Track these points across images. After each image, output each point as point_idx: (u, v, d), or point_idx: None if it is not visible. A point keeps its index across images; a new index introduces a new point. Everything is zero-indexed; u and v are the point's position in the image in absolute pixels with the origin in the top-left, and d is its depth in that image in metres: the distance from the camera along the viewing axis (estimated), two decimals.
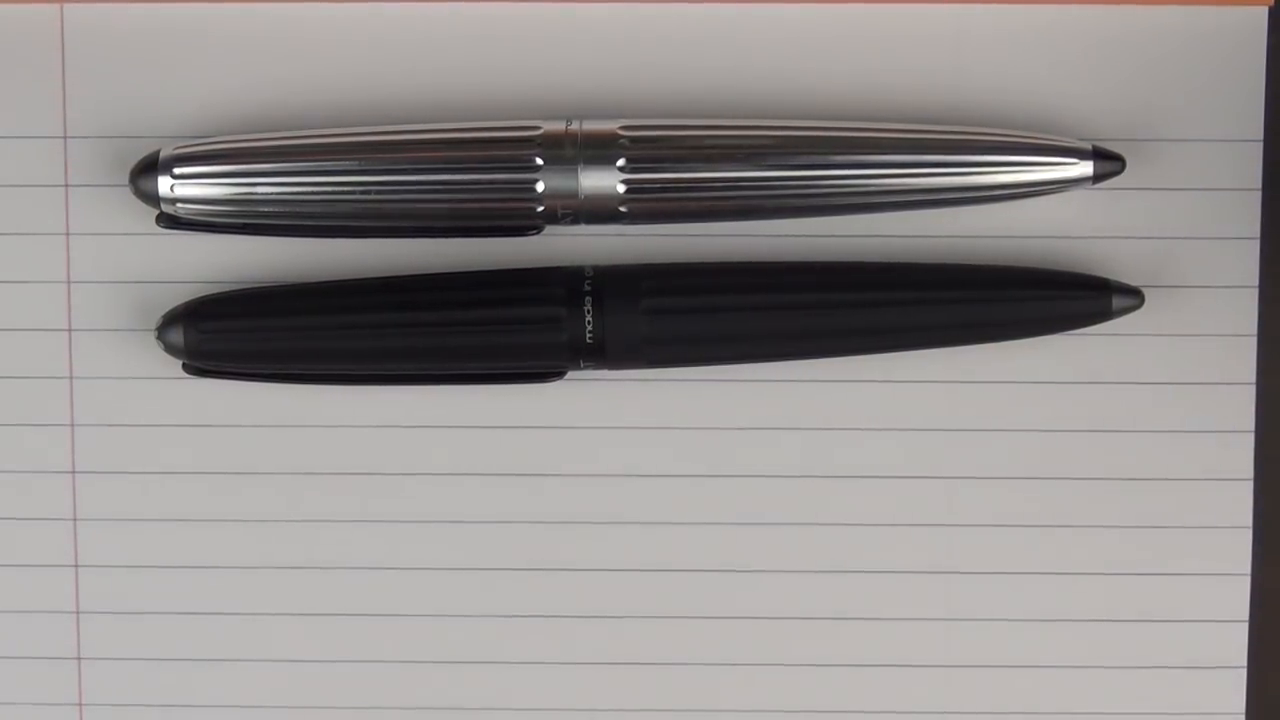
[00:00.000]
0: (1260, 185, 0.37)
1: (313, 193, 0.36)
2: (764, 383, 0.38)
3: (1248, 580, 0.38)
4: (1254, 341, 0.38)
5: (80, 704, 0.39)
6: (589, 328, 0.36)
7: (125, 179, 0.37)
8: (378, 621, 0.39)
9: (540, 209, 0.36)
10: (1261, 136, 0.37)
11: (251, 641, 0.39)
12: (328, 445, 0.38)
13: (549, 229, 0.37)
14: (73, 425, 0.38)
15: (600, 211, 0.36)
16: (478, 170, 0.36)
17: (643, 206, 0.36)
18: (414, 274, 0.38)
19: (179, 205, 0.37)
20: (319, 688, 0.39)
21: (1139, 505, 0.38)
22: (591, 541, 0.38)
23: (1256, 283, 0.38)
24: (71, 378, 0.38)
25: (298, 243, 0.38)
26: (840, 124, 0.36)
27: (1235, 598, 0.38)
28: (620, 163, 0.36)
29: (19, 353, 0.38)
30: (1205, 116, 0.37)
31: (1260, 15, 0.37)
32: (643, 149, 0.36)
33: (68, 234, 0.38)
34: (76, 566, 0.38)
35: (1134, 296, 0.37)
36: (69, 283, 0.38)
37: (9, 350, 0.38)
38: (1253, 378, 0.38)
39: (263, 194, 0.36)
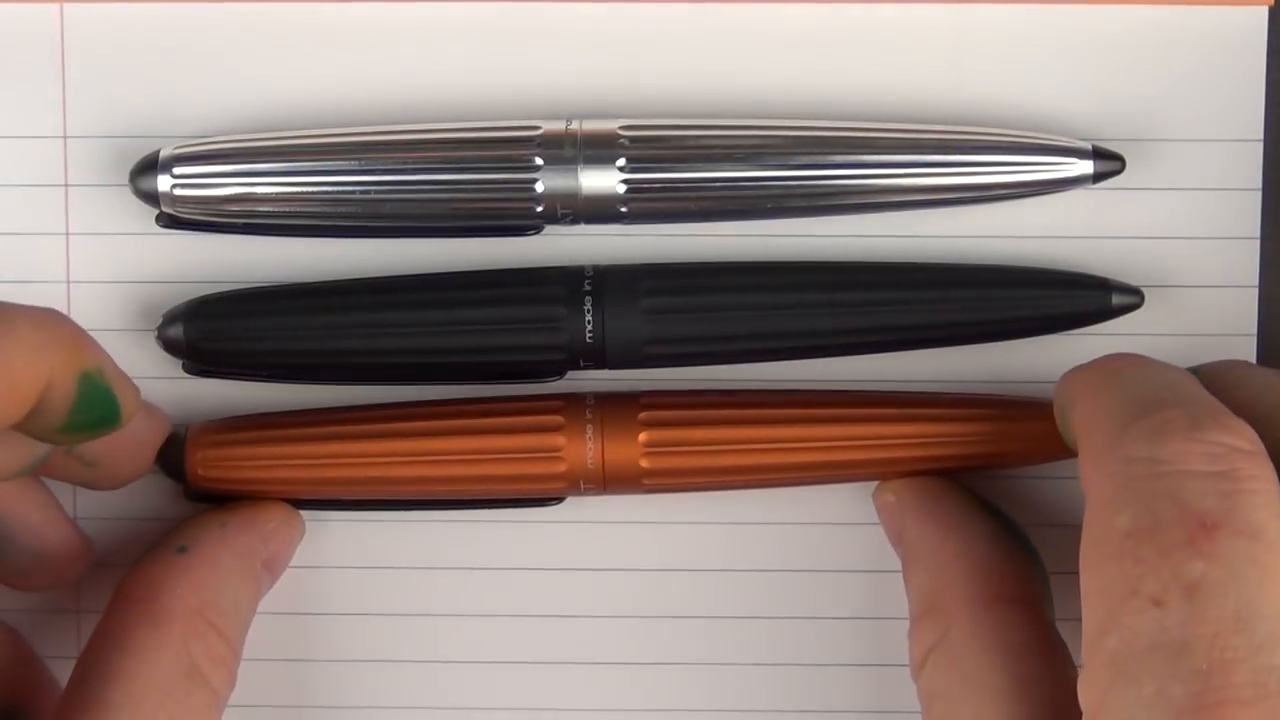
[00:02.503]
0: (1260, 185, 0.37)
1: (313, 193, 0.36)
2: (764, 382, 0.38)
3: None
4: (1254, 341, 0.38)
5: None
6: (589, 328, 0.36)
7: (125, 179, 0.37)
8: (369, 620, 0.39)
9: (540, 209, 0.36)
10: (1261, 136, 0.37)
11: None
12: None
13: (549, 229, 0.37)
14: None
15: (600, 211, 0.36)
16: (478, 170, 0.36)
17: (643, 206, 0.36)
18: (414, 274, 0.37)
19: (179, 205, 0.37)
20: (314, 688, 0.39)
21: None
22: (592, 539, 0.38)
23: (1256, 283, 0.38)
24: None
25: (298, 243, 0.38)
26: (840, 124, 0.36)
27: None
28: (620, 163, 0.36)
29: None
30: (1205, 116, 0.37)
31: (1260, 15, 0.37)
32: (643, 149, 0.36)
33: (68, 234, 0.38)
34: None
35: (1133, 296, 0.37)
36: (69, 283, 0.38)
37: None
38: None
39: (263, 194, 0.36)
